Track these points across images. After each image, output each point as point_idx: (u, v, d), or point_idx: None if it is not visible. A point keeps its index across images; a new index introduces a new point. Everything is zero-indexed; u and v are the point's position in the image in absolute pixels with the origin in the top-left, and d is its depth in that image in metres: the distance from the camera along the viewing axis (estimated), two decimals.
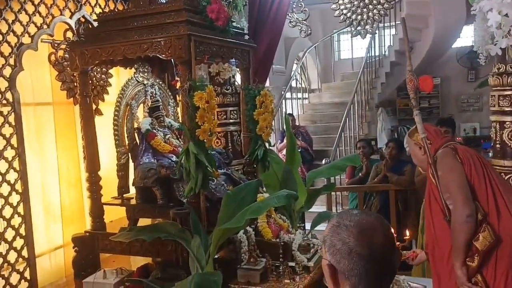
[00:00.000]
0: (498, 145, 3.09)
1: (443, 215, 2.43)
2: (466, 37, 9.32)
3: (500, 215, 2.34)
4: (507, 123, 3.25)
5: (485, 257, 2.30)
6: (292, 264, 2.77)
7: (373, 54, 8.48)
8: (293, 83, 8.84)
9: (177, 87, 3.60)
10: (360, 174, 5.32)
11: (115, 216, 3.35)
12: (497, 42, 2.01)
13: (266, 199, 2.61)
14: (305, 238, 3.01)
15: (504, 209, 2.35)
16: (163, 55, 2.71)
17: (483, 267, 2.33)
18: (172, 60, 3.46)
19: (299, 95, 9.38)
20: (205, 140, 2.59)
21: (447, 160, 2.44)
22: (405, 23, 3.05)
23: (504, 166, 3.01)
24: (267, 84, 7.32)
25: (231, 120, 3.85)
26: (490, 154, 3.52)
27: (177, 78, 3.69)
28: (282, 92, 8.25)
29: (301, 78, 9.81)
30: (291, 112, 7.89)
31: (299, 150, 5.19)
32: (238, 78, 3.90)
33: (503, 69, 3.26)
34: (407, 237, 2.96)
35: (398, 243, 1.86)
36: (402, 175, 4.76)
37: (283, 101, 8.22)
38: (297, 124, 7.56)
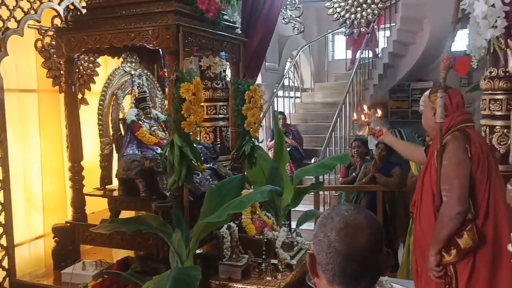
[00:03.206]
0: None
1: (432, 199, 2.40)
2: (460, 42, 9.32)
3: (487, 221, 2.33)
4: (497, 127, 3.24)
5: (465, 255, 2.32)
6: (274, 261, 2.74)
7: (366, 56, 8.48)
8: (286, 82, 8.81)
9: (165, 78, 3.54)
10: (354, 173, 5.30)
11: (97, 208, 3.30)
12: (482, 33, 1.99)
13: (249, 194, 2.57)
14: (289, 236, 2.98)
15: (492, 216, 2.34)
16: (151, 45, 2.66)
17: (458, 262, 2.33)
18: (160, 51, 3.40)
19: (292, 93, 9.35)
20: (190, 133, 2.54)
21: (456, 153, 2.31)
22: None
23: None
24: (260, 81, 7.29)
25: (220, 115, 3.81)
26: None
27: (164, 69, 3.64)
28: (275, 90, 8.22)
29: (294, 77, 9.78)
30: (282, 111, 7.85)
31: (288, 149, 5.17)
32: (229, 73, 3.84)
33: (495, 73, 3.25)
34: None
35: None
36: (390, 177, 4.75)
37: (275, 99, 8.19)
38: (288, 123, 7.52)
